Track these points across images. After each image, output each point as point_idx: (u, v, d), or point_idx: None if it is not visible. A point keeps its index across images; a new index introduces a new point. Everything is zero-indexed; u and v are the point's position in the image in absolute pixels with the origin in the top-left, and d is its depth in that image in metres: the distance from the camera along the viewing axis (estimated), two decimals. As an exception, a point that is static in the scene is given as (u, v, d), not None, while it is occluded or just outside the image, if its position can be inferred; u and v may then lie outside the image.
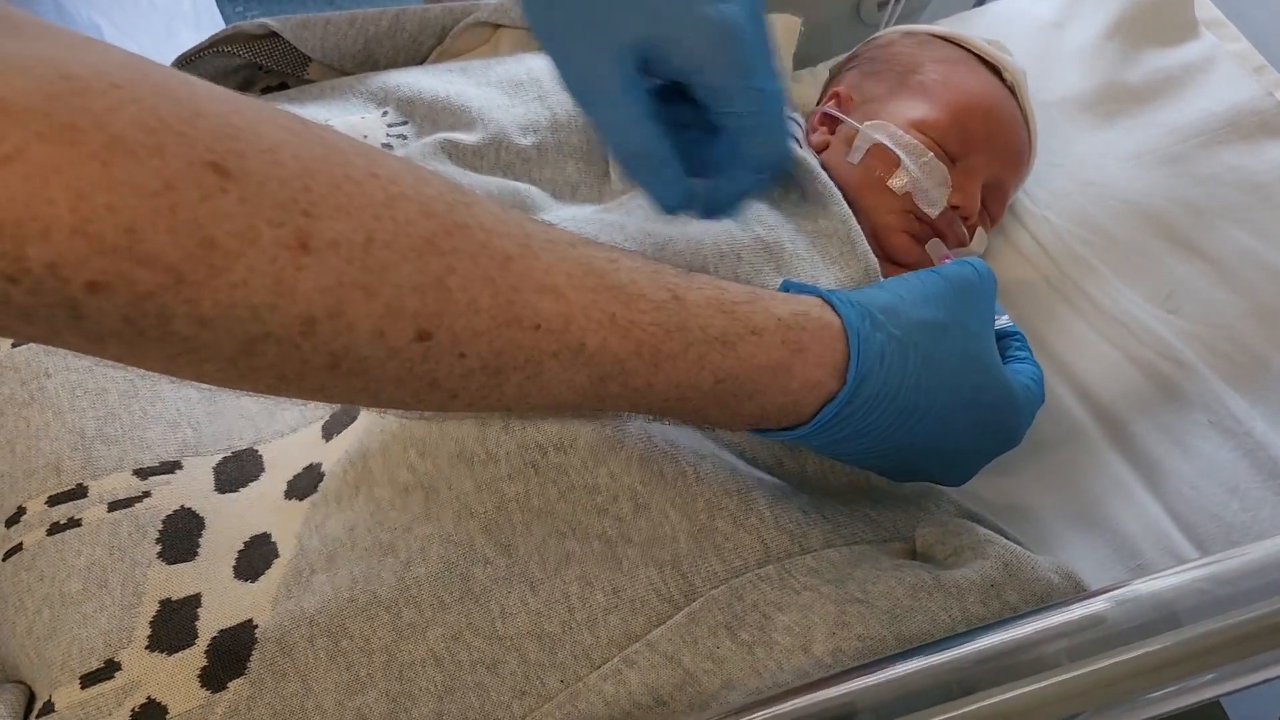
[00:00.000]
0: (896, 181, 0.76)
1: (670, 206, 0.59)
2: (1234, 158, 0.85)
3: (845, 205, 0.71)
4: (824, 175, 0.73)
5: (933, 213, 0.76)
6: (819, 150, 0.82)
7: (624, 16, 0.54)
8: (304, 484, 0.60)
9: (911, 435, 0.56)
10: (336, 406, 0.63)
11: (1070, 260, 0.83)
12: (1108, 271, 0.81)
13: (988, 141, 0.78)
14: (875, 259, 0.71)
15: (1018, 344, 0.67)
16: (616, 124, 0.56)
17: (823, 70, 0.99)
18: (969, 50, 0.82)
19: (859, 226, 0.71)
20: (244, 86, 0.86)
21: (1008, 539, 0.65)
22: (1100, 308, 0.80)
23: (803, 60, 0.96)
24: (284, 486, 0.59)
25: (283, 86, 0.86)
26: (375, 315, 0.39)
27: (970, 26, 0.99)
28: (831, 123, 0.82)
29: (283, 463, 0.61)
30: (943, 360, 0.55)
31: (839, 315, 0.53)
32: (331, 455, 0.60)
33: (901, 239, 0.78)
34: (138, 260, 0.34)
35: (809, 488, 0.66)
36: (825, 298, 0.55)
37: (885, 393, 0.53)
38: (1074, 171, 0.86)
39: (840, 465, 0.67)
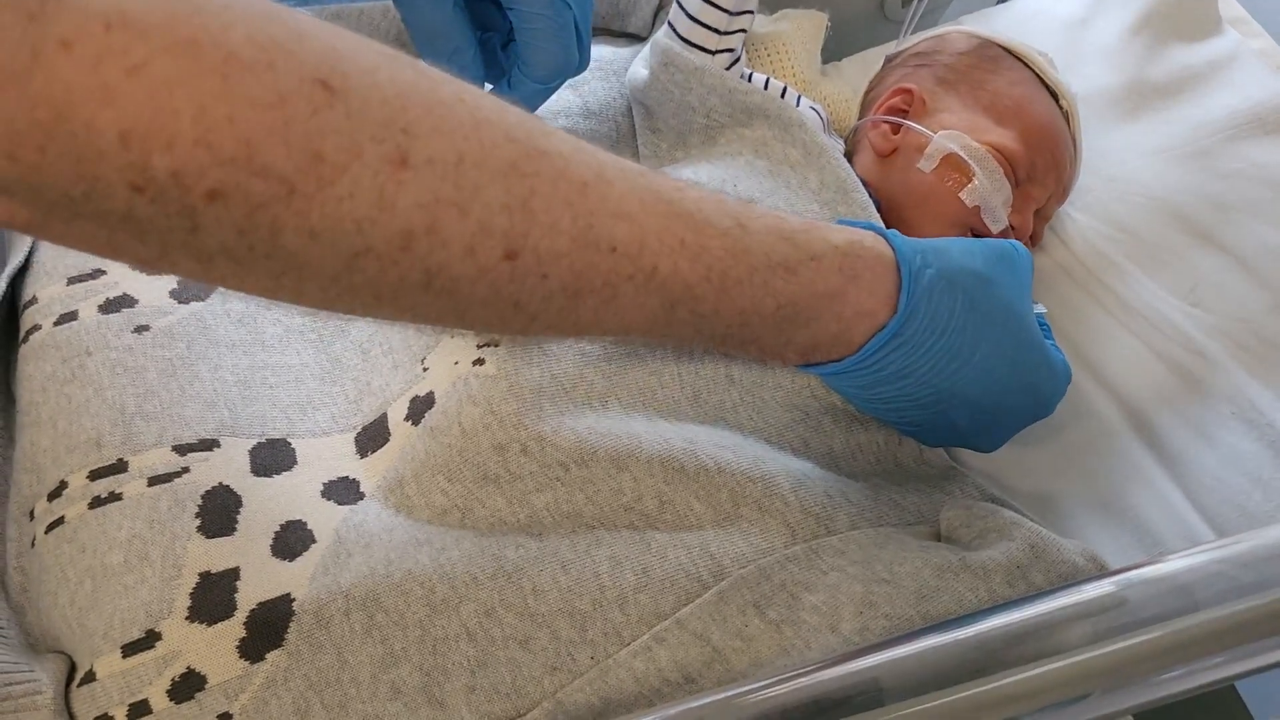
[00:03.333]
0: (968, 195, 0.76)
1: None
2: (1257, 153, 0.85)
3: (865, 193, 0.72)
4: (844, 162, 0.73)
5: (995, 229, 0.76)
6: (883, 154, 0.81)
7: None
8: (341, 491, 0.61)
9: (952, 381, 0.57)
10: (368, 419, 0.64)
11: (1094, 256, 0.83)
12: (1132, 266, 0.82)
13: (1049, 171, 0.79)
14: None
15: (1045, 331, 0.68)
16: (418, 5, 0.59)
17: (847, 65, 1.00)
18: (1033, 71, 0.83)
19: (878, 215, 0.72)
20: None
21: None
22: (1124, 302, 0.80)
23: (826, 55, 0.97)
24: (320, 486, 0.61)
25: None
26: (468, 233, 0.40)
27: (994, 23, 0.99)
28: (893, 126, 0.81)
29: (315, 462, 0.62)
30: (988, 309, 0.57)
31: (892, 247, 0.55)
32: (369, 477, 0.61)
33: None
34: (254, 171, 0.36)
35: (835, 468, 0.67)
36: (879, 231, 0.56)
37: (933, 328, 0.55)
38: (1098, 167, 0.87)
39: (868, 443, 0.68)
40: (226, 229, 0.37)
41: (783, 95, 0.81)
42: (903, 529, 0.62)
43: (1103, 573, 0.56)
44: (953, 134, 0.77)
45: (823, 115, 0.83)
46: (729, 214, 0.50)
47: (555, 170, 0.43)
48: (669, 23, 0.78)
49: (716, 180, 0.73)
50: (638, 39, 0.89)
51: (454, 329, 0.62)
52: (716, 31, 0.75)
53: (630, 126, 0.83)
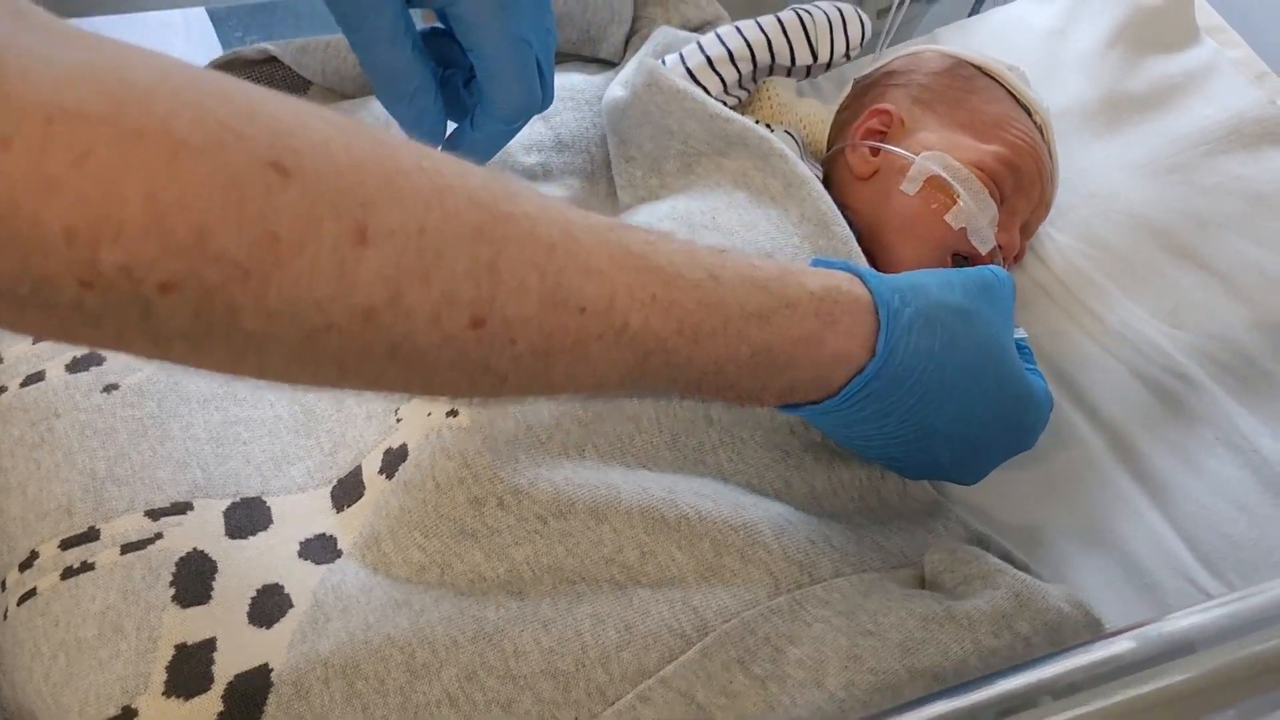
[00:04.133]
0: (953, 217, 0.75)
1: (425, 140, 0.61)
2: (1236, 166, 0.85)
3: (845, 225, 0.71)
4: (824, 193, 0.72)
5: (983, 249, 0.76)
6: (864, 177, 0.80)
7: None
8: (317, 550, 0.60)
9: (933, 418, 0.56)
10: (343, 471, 0.63)
11: (1074, 275, 0.83)
12: (1112, 286, 0.81)
13: (1033, 186, 0.78)
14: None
15: (1026, 355, 0.67)
16: (377, 45, 0.58)
17: (825, 83, 0.99)
18: (1005, 88, 0.82)
19: (859, 248, 0.71)
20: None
21: (1016, 563, 0.66)
22: (1105, 324, 0.80)
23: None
24: (296, 546, 0.60)
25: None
26: (432, 302, 0.40)
27: (972, 34, 0.98)
28: (872, 148, 0.81)
29: (291, 519, 0.61)
30: (967, 345, 0.56)
31: (869, 289, 0.54)
32: (346, 533, 0.60)
33: None
34: (208, 258, 0.35)
35: (817, 508, 0.66)
36: (855, 272, 0.56)
37: (912, 368, 0.54)
38: (1077, 184, 0.86)
39: (850, 479, 0.67)
40: (182, 315, 0.36)
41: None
42: (886, 573, 0.62)
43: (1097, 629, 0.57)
44: (935, 155, 0.77)
45: (798, 140, 0.82)
46: (701, 265, 0.49)
47: (521, 232, 0.43)
48: (680, 55, 0.77)
49: (696, 214, 0.72)
50: (609, 65, 0.88)
51: (424, 396, 0.62)
52: (724, 84, 0.75)
53: (604, 156, 0.82)
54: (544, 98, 0.63)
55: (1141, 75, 0.91)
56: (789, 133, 0.82)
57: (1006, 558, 0.66)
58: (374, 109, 0.82)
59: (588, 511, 0.59)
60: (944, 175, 0.75)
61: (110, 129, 0.34)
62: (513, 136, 0.64)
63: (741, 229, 0.70)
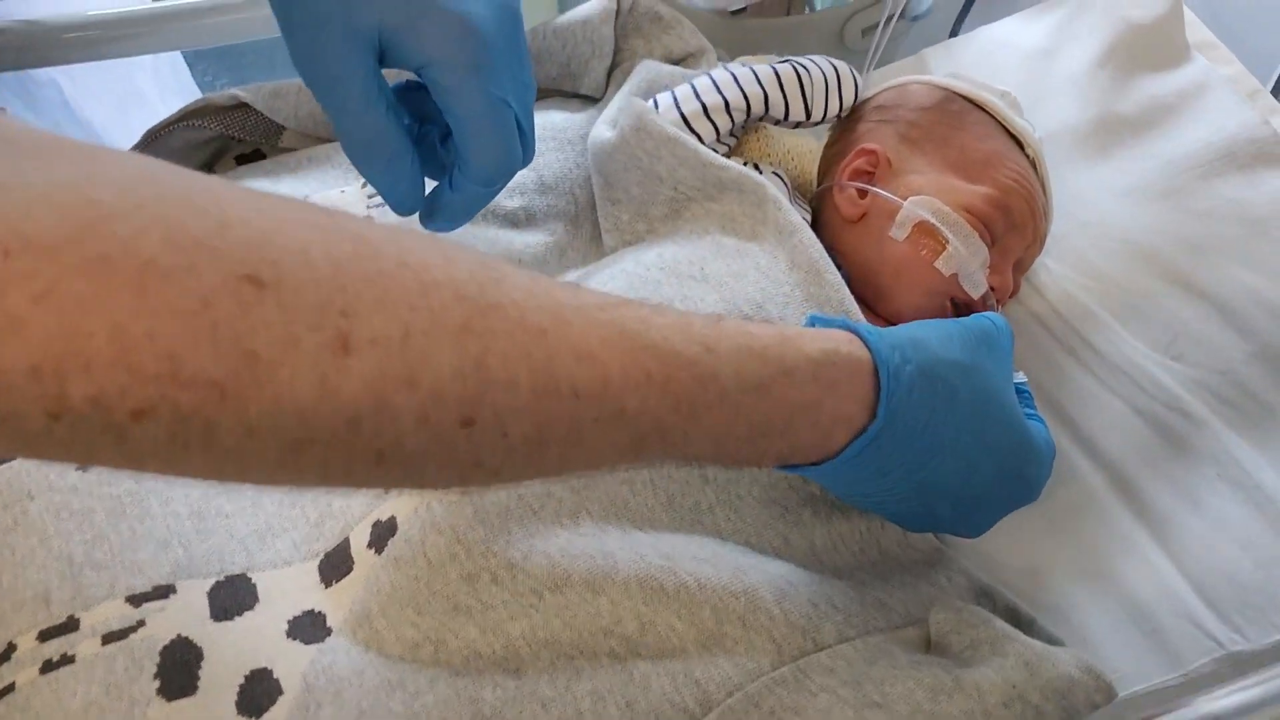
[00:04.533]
0: (944, 263, 0.74)
1: (402, 205, 0.60)
2: (1231, 190, 0.84)
3: (837, 273, 0.69)
4: (815, 240, 0.70)
5: (975, 294, 0.74)
6: (851, 221, 0.78)
7: (362, 2, 0.55)
8: (307, 628, 0.58)
9: (934, 475, 0.55)
10: (330, 544, 0.61)
11: (1071, 307, 0.81)
12: (1109, 318, 0.80)
13: (1025, 225, 0.77)
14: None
15: (1026, 399, 0.66)
16: (349, 109, 0.57)
17: (810, 107, 0.97)
18: (997, 120, 0.80)
19: (851, 296, 0.69)
20: (216, 157, 0.83)
21: (1022, 617, 0.64)
22: (1104, 357, 0.79)
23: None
24: (284, 625, 0.58)
25: (257, 153, 0.84)
26: (419, 405, 0.38)
27: (958, 55, 0.97)
28: (859, 189, 0.79)
29: (279, 596, 0.59)
30: (967, 400, 0.55)
31: (868, 348, 0.53)
32: (335, 609, 0.59)
33: None
34: (182, 383, 0.34)
35: (817, 564, 0.65)
36: (853, 330, 0.54)
37: (914, 426, 0.53)
38: (1071, 210, 0.84)
39: (850, 532, 0.66)
40: (157, 438, 0.35)
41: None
42: (891, 635, 0.61)
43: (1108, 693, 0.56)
44: (923, 200, 0.75)
45: (786, 180, 0.80)
46: (696, 339, 0.48)
47: (510, 322, 0.41)
48: (674, 98, 0.75)
49: (684, 263, 0.70)
50: (591, 100, 0.86)
51: (414, 489, 0.60)
52: (717, 133, 0.73)
53: (588, 198, 0.80)
54: (525, 156, 0.62)
55: (1133, 96, 0.89)
56: (777, 173, 0.80)
57: (1012, 611, 0.65)
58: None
59: (584, 584, 0.57)
60: (933, 221, 0.74)
61: (74, 258, 0.32)
62: (493, 198, 0.62)
63: (730, 279, 0.69)
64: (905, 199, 0.75)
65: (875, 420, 0.52)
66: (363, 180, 0.79)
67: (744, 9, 0.99)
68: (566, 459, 0.45)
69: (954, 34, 1.10)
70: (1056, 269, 0.83)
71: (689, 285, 0.69)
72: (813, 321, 0.58)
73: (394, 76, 0.61)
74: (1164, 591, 0.69)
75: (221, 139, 0.82)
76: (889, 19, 0.94)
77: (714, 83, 0.78)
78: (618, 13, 0.83)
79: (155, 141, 0.79)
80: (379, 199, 0.77)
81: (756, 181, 0.71)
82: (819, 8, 1.06)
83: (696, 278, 0.70)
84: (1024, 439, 0.60)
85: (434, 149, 0.63)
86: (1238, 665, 0.66)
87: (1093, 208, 0.85)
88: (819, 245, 0.70)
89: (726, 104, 0.77)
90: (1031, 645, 0.56)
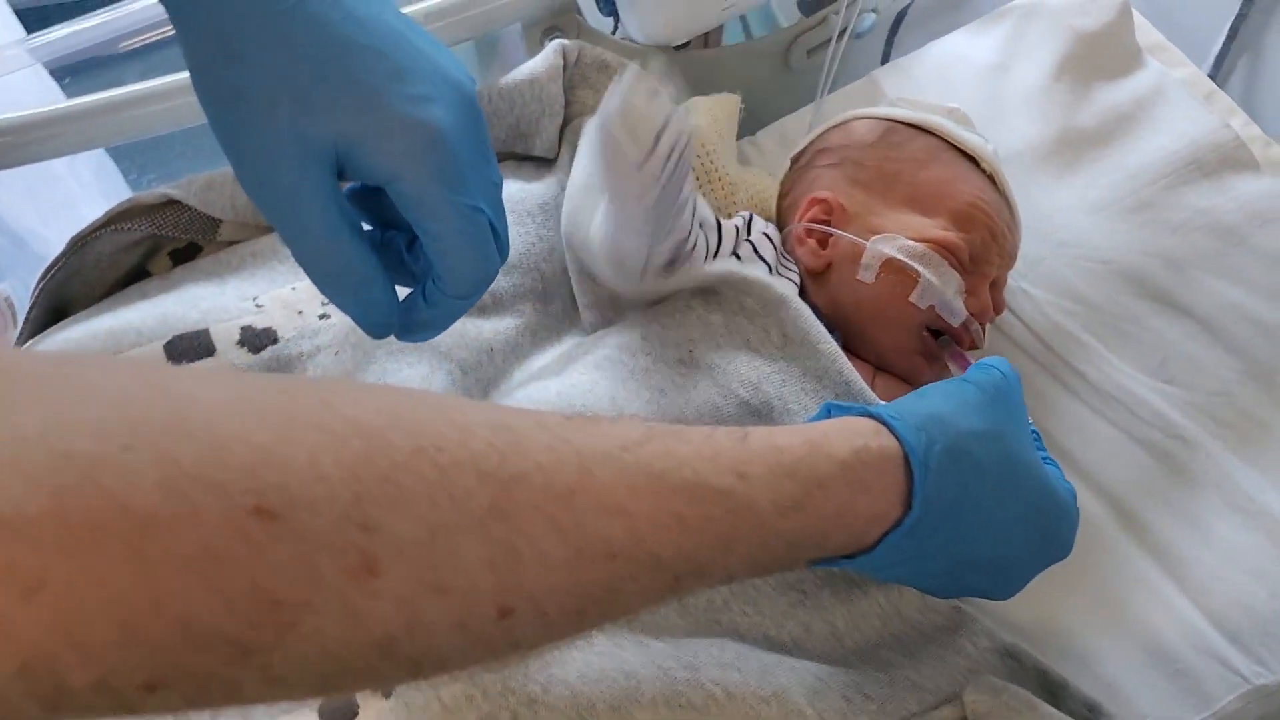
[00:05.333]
0: (919, 296, 0.71)
1: (376, 330, 0.56)
2: (1200, 199, 0.83)
3: (833, 342, 0.67)
4: (803, 309, 0.68)
5: (955, 322, 0.72)
6: (816, 272, 0.76)
7: (316, 114, 0.50)
8: None
9: (966, 549, 0.54)
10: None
11: (1055, 335, 0.80)
12: (1096, 343, 0.79)
13: (990, 245, 0.74)
14: (874, 394, 0.67)
15: (1036, 443, 0.64)
16: (311, 238, 0.52)
17: (764, 140, 0.94)
18: (946, 140, 0.78)
19: (848, 363, 0.67)
20: (147, 256, 0.77)
21: (1053, 680, 0.63)
22: (1095, 386, 0.77)
23: (741, 130, 0.91)
24: None
25: (192, 247, 0.78)
26: (453, 611, 0.36)
27: (910, 75, 0.94)
28: (821, 236, 0.76)
29: None
30: (993, 471, 0.54)
31: (896, 437, 0.51)
32: None
33: (917, 361, 0.74)
34: (196, 648, 0.31)
35: (840, 648, 0.63)
36: (878, 417, 0.53)
37: (944, 509, 0.52)
38: (1044, 232, 0.83)
39: (870, 608, 0.65)
40: (174, 703, 0.32)
41: (740, 230, 0.75)
42: (925, 717, 0.59)
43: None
44: (885, 237, 0.73)
45: (774, 241, 0.77)
46: (726, 467, 0.45)
47: (536, 491, 0.39)
48: None
49: (671, 346, 0.67)
50: (545, 161, 0.82)
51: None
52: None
53: (554, 270, 0.76)
54: (500, 256, 0.57)
55: (1091, 108, 0.88)
56: (766, 234, 0.76)
57: (1042, 674, 0.63)
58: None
59: (610, 711, 0.54)
60: (899, 257, 0.71)
61: (61, 535, 0.28)
62: (470, 307, 0.58)
63: (721, 361, 0.66)
64: (867, 240, 0.73)
65: (910, 512, 0.51)
66: (315, 275, 0.74)
67: (688, 43, 0.95)
68: (604, 617, 0.43)
69: (885, 58, 1.08)
70: (1038, 294, 0.81)
71: (680, 372, 0.67)
72: (828, 409, 0.56)
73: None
74: (1183, 629, 0.68)
75: (154, 238, 0.76)
76: (842, 33, 0.91)
77: None
78: (564, 67, 0.79)
79: (83, 248, 0.73)
80: (335, 295, 0.73)
81: (741, 279, 0.68)
82: (756, 35, 1.03)
83: (686, 362, 0.67)
84: (1051, 500, 0.58)
85: (400, 256, 0.58)
86: (1267, 699, 0.65)
87: (1065, 228, 0.83)
88: (808, 313, 0.67)
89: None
90: (1080, 730, 0.55)
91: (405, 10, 0.77)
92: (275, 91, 0.50)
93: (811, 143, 0.81)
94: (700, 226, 0.69)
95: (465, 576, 0.36)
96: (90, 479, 0.29)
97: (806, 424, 0.52)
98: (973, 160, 0.77)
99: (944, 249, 0.71)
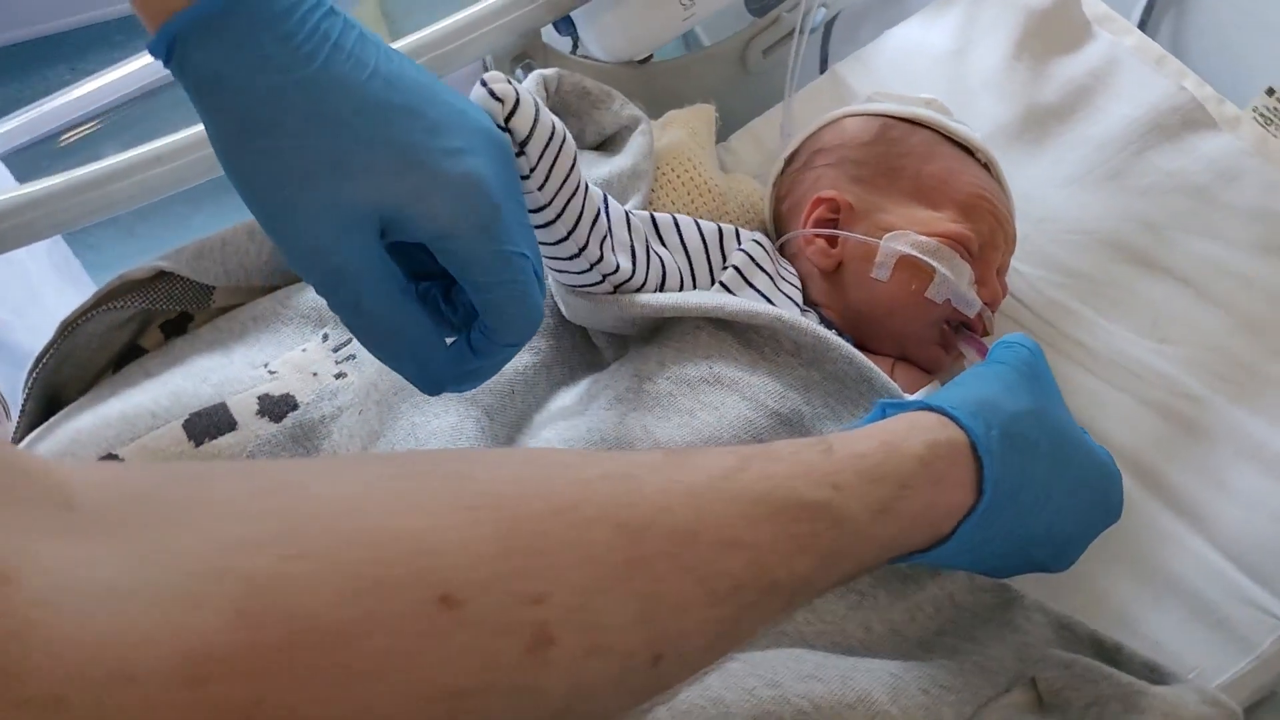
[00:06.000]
0: (934, 292, 0.73)
1: (433, 388, 0.56)
2: (1166, 161, 0.86)
3: (845, 344, 0.68)
4: (806, 324, 0.68)
5: (970, 313, 0.73)
6: (827, 272, 0.76)
7: (358, 180, 0.49)
8: None
9: (1031, 528, 0.56)
10: None
11: (1050, 309, 0.82)
12: (1091, 313, 0.81)
13: (996, 232, 0.76)
14: (896, 385, 0.68)
15: None
16: (363, 307, 0.51)
17: (737, 144, 0.95)
18: (940, 133, 0.79)
19: (867, 360, 0.68)
20: (138, 333, 0.75)
21: (1107, 647, 0.64)
22: (1095, 353, 0.79)
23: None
24: None
25: (183, 317, 0.76)
26: (613, 669, 0.37)
27: (871, 67, 0.96)
28: (829, 238, 0.77)
29: None
30: (1046, 448, 0.56)
31: (961, 427, 0.53)
32: None
33: (935, 352, 0.75)
34: None
35: (903, 643, 0.64)
36: (939, 409, 0.54)
37: (1009, 491, 0.53)
38: (1023, 209, 0.85)
39: (925, 603, 0.66)
40: None
41: (727, 236, 0.76)
42: (1003, 703, 0.60)
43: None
44: (898, 234, 0.74)
45: (767, 247, 0.77)
46: (819, 480, 0.46)
47: (663, 538, 0.39)
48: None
49: (689, 365, 0.68)
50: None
51: None
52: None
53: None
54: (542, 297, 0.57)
55: (1051, 84, 0.90)
56: (756, 240, 0.77)
57: (1097, 641, 0.65)
58: (297, 303, 0.74)
59: None
60: (913, 253, 0.73)
61: (256, 659, 0.28)
62: (518, 352, 0.58)
63: (744, 376, 0.67)
64: (878, 239, 0.74)
65: (982, 498, 0.52)
66: (323, 334, 0.72)
67: (650, 56, 0.95)
68: (731, 649, 0.45)
69: (824, 53, 1.09)
70: (1027, 271, 0.83)
71: (705, 391, 0.67)
72: (883, 409, 0.56)
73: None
74: (1217, 580, 0.70)
75: (144, 312, 0.74)
76: (802, 28, 0.92)
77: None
78: (546, 97, 0.79)
79: (73, 332, 0.71)
80: (347, 351, 0.71)
81: (754, 311, 0.68)
82: (707, 44, 1.03)
83: (710, 381, 0.67)
84: (1098, 466, 0.61)
85: (438, 307, 0.57)
86: (1303, 638, 0.68)
87: (1041, 203, 0.86)
88: (810, 323, 0.68)
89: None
90: (1162, 696, 0.56)
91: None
92: (313, 161, 0.49)
93: (805, 143, 0.82)
94: (653, 256, 0.71)
95: (621, 634, 0.37)
96: (273, 599, 0.29)
97: (875, 425, 0.54)
98: (967, 151, 0.78)
99: (955, 241, 0.73)
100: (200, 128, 0.76)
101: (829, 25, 1.12)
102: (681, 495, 0.41)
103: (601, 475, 0.40)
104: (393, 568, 0.31)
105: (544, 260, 0.64)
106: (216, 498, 0.32)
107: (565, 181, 0.62)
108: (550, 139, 0.61)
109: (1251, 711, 0.69)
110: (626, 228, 0.70)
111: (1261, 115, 0.88)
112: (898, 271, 0.74)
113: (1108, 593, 0.71)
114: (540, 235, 0.63)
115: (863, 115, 0.81)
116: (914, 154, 0.78)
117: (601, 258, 0.66)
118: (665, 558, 0.39)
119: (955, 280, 0.73)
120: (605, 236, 0.67)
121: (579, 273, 0.68)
